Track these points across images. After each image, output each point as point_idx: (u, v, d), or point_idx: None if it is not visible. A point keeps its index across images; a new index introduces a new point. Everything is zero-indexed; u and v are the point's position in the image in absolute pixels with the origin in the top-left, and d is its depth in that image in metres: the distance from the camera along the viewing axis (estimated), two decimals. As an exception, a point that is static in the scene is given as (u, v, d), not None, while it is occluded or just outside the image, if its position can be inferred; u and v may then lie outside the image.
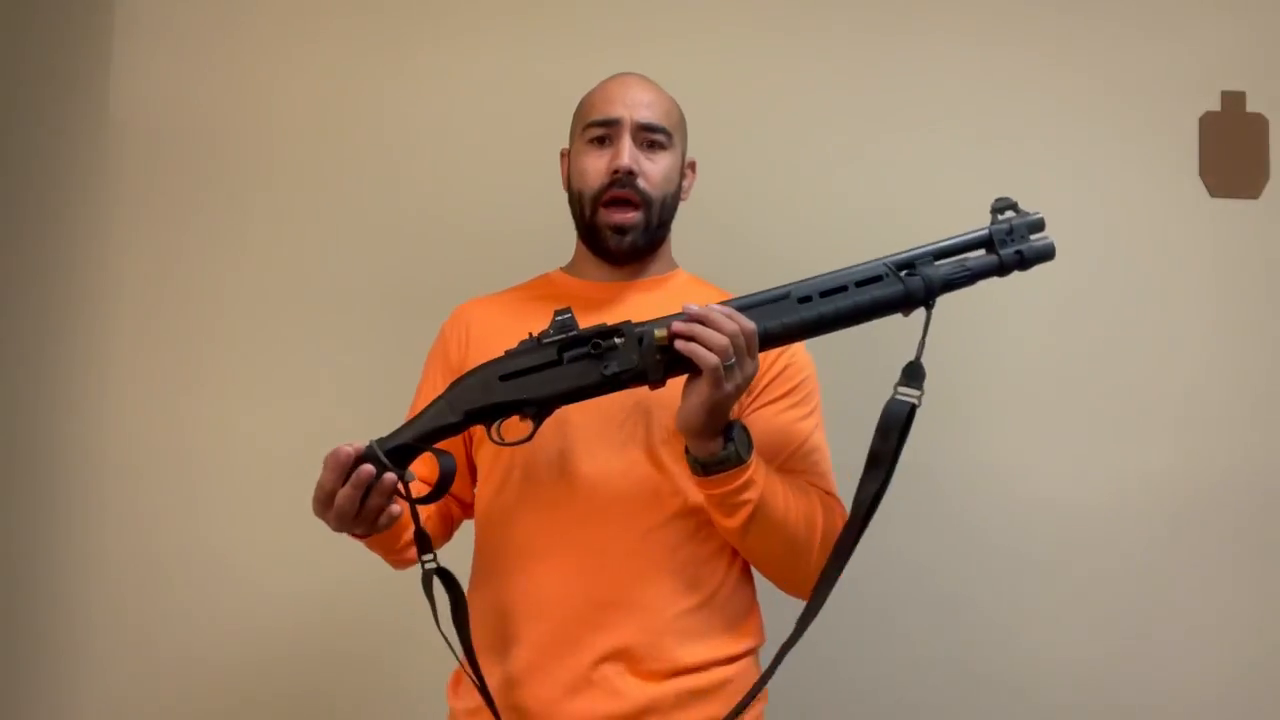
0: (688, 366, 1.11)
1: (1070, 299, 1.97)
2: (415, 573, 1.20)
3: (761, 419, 1.26)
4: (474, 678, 1.21)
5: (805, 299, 1.13)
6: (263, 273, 2.00)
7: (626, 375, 1.14)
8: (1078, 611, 1.94)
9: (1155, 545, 1.95)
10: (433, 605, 1.18)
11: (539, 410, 1.17)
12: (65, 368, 2.00)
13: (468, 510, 1.42)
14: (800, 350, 1.33)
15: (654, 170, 1.32)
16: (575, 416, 1.25)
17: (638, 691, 1.21)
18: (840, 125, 2.01)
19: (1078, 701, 1.92)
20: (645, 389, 1.15)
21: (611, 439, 1.26)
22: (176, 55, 2.03)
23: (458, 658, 1.22)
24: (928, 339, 1.13)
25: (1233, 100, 2.01)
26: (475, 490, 1.38)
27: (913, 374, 1.13)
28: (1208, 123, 2.01)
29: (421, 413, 1.19)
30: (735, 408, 1.18)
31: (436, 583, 1.18)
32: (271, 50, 2.03)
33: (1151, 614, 1.94)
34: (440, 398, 1.19)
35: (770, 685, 1.24)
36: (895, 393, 1.13)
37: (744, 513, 1.18)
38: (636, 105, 1.32)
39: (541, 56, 1.99)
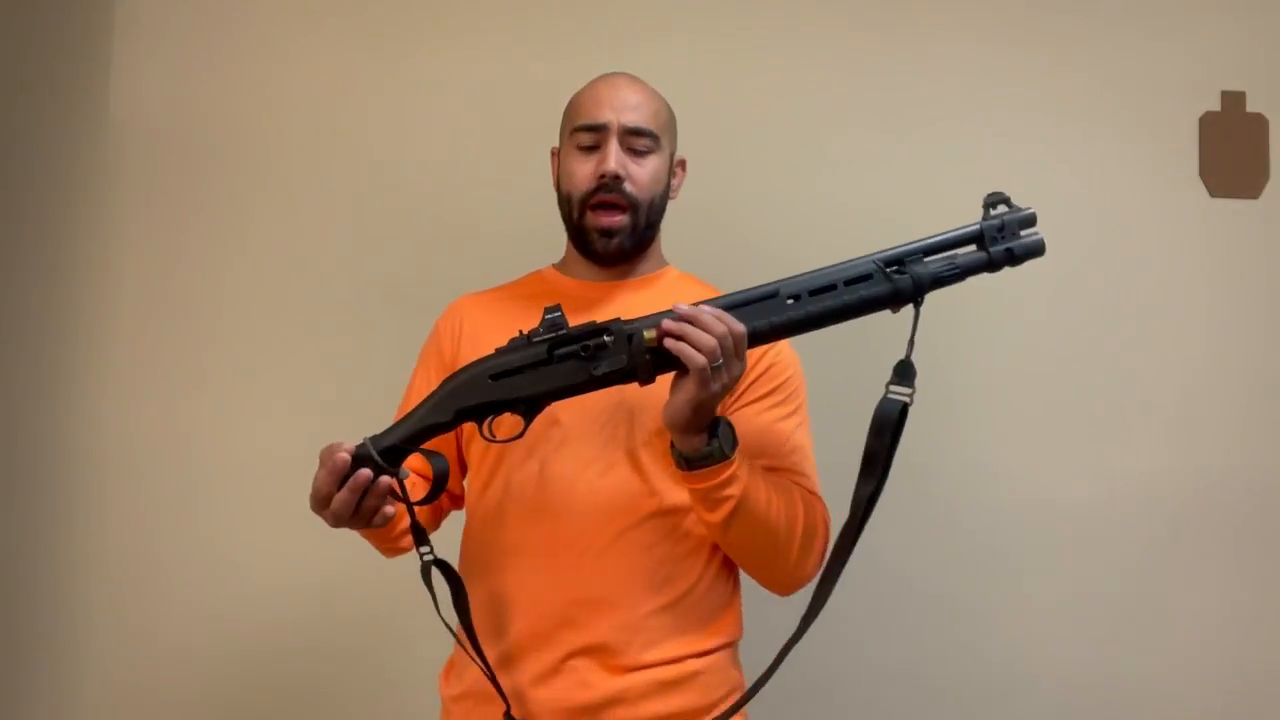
0: (676, 364, 1.12)
1: (1070, 298, 1.97)
2: (413, 570, 1.22)
3: (743, 418, 1.26)
4: (478, 660, 1.23)
5: (794, 297, 1.14)
6: (262, 272, 2.01)
7: (616, 375, 1.15)
8: (1073, 612, 1.94)
9: (1154, 545, 1.95)
10: (433, 594, 1.22)
11: (529, 408, 1.18)
12: (65, 368, 2.00)
13: (458, 502, 1.44)
14: (785, 348, 1.34)
15: (641, 173, 1.33)
16: (562, 415, 1.27)
17: (606, 683, 1.24)
18: (840, 125, 2.01)
19: (1074, 702, 1.92)
20: (631, 385, 1.17)
21: (594, 439, 1.28)
22: (176, 55, 2.04)
23: (460, 642, 1.25)
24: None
25: (1233, 100, 2.01)
26: (465, 483, 1.40)
27: (904, 372, 1.13)
28: (1208, 123, 2.01)
29: (413, 410, 1.20)
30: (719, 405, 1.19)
31: (435, 573, 1.21)
32: (270, 51, 2.04)
33: (1148, 614, 1.94)
34: (432, 395, 1.20)
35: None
36: (887, 391, 1.13)
37: (726, 508, 1.19)
38: (624, 108, 1.33)
39: (538, 56, 2.00)
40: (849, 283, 1.13)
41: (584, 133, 1.33)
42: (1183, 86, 2.02)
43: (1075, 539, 1.94)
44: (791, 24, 2.02)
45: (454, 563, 1.28)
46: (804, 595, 1.23)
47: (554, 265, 1.45)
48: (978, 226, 1.13)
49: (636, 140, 1.33)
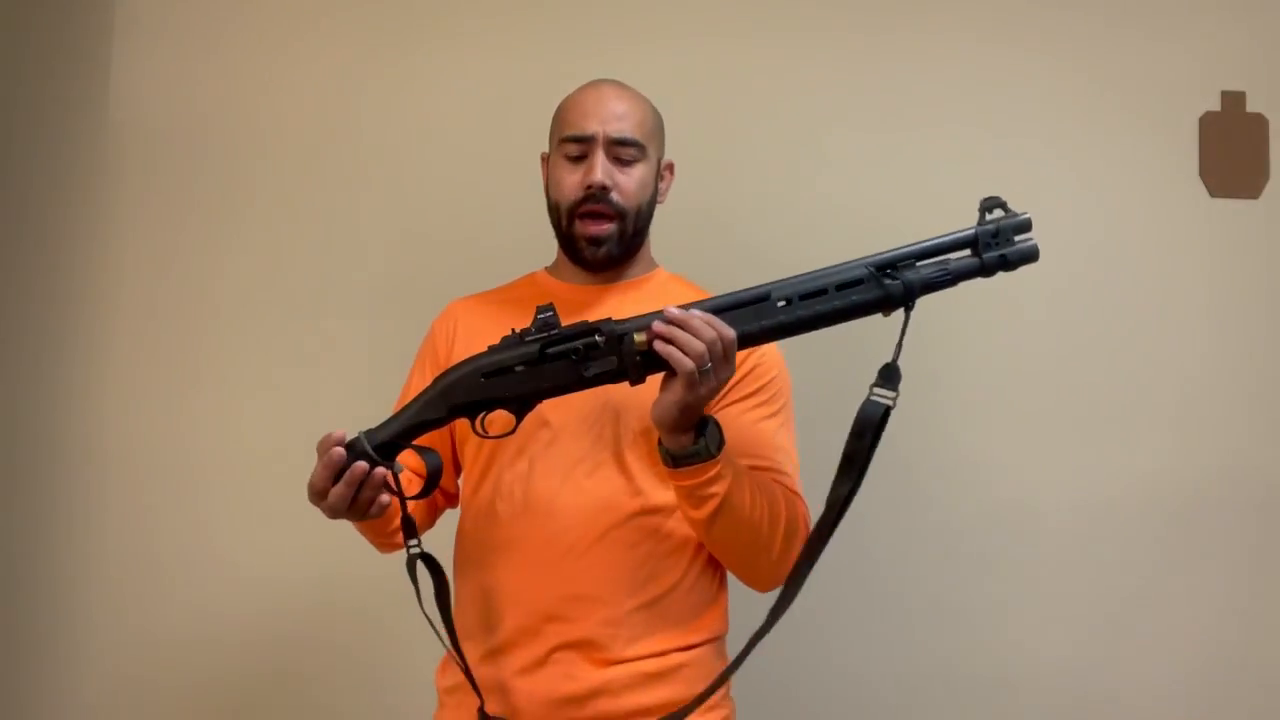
0: (665, 365, 1.13)
1: (1070, 298, 1.97)
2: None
3: (728, 417, 1.27)
4: (455, 654, 1.27)
5: (785, 300, 1.14)
6: (261, 271, 2.02)
7: (606, 376, 1.17)
8: (1067, 612, 1.93)
9: (1153, 545, 1.94)
10: (416, 588, 1.24)
11: (520, 406, 1.21)
12: (65, 367, 2.01)
13: (452, 500, 1.48)
14: (770, 349, 1.34)
15: (627, 183, 1.35)
16: (551, 416, 1.30)
17: (591, 675, 1.26)
18: (838, 124, 2.01)
19: (1067, 702, 1.92)
20: (619, 384, 1.19)
21: (582, 439, 1.31)
22: (176, 55, 2.05)
23: (437, 634, 1.28)
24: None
25: (1233, 100, 2.00)
26: (459, 481, 1.44)
27: (889, 375, 1.13)
28: (1208, 123, 2.01)
29: (408, 406, 1.24)
30: None
31: (420, 567, 1.24)
32: (270, 51, 2.04)
33: (1148, 614, 1.94)
34: (425, 391, 1.23)
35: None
36: (870, 394, 1.13)
37: (710, 505, 1.21)
38: (609, 119, 1.34)
39: (536, 57, 2.00)
40: (840, 287, 1.13)
41: (571, 143, 1.35)
42: (1183, 86, 2.01)
43: (1076, 539, 1.94)
44: (789, 24, 2.02)
45: (447, 559, 1.31)
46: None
47: (546, 269, 1.47)
48: (972, 231, 1.13)
49: (623, 150, 1.34)
